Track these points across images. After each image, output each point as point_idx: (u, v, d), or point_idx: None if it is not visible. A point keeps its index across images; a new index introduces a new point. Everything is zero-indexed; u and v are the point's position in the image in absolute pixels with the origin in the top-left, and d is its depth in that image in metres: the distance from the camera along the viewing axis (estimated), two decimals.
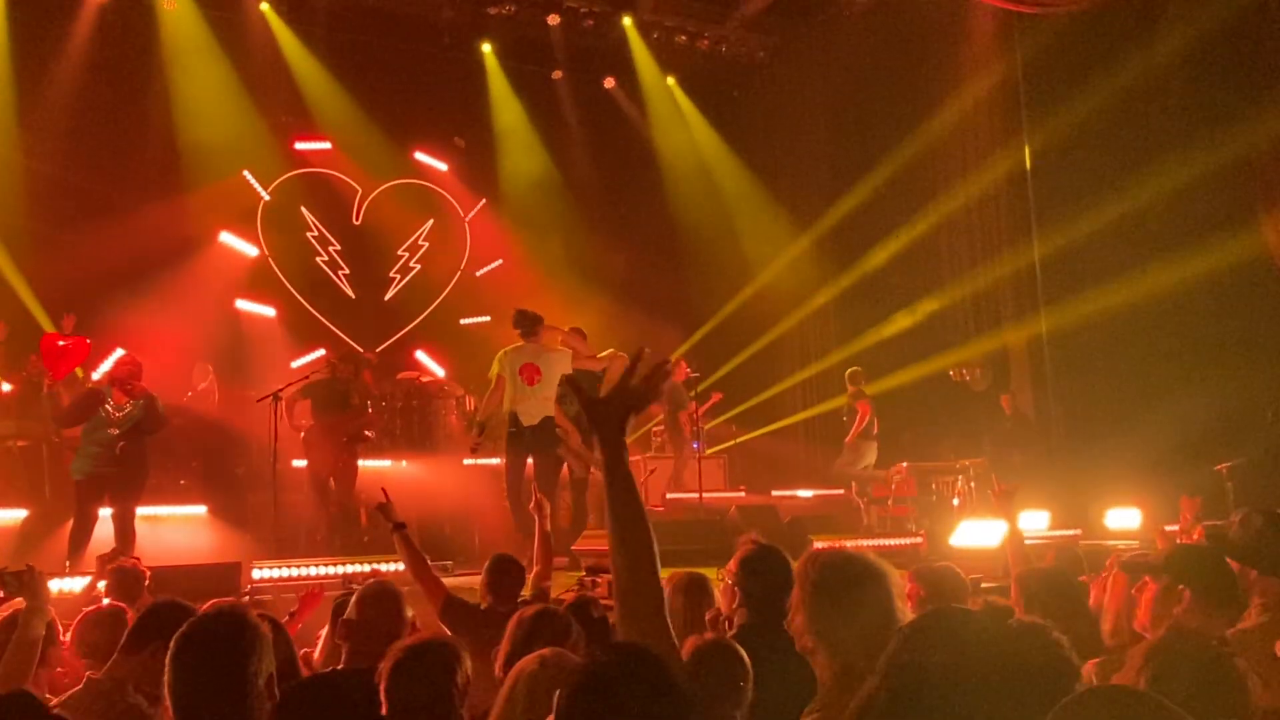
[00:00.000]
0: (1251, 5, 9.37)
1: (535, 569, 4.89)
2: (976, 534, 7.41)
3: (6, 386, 9.39)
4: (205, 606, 2.89)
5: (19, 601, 3.40)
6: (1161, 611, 2.98)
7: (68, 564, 6.91)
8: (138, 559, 5.45)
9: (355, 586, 4.73)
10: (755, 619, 3.01)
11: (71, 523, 7.30)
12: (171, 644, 2.38)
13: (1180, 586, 3.00)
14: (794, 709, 2.27)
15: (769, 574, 3.04)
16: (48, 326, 9.93)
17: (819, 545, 8.19)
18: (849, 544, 7.46)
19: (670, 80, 14.19)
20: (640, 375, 2.13)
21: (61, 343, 8.68)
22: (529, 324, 8.08)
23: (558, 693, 1.71)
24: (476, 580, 4.66)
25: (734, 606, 3.08)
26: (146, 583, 4.94)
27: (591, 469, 8.82)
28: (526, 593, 4.56)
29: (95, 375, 9.04)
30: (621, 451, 2.11)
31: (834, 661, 2.27)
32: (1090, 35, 10.28)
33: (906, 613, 2.33)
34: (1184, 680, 1.99)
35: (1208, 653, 2.26)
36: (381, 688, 2.52)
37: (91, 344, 8.96)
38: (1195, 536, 4.97)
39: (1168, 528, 6.46)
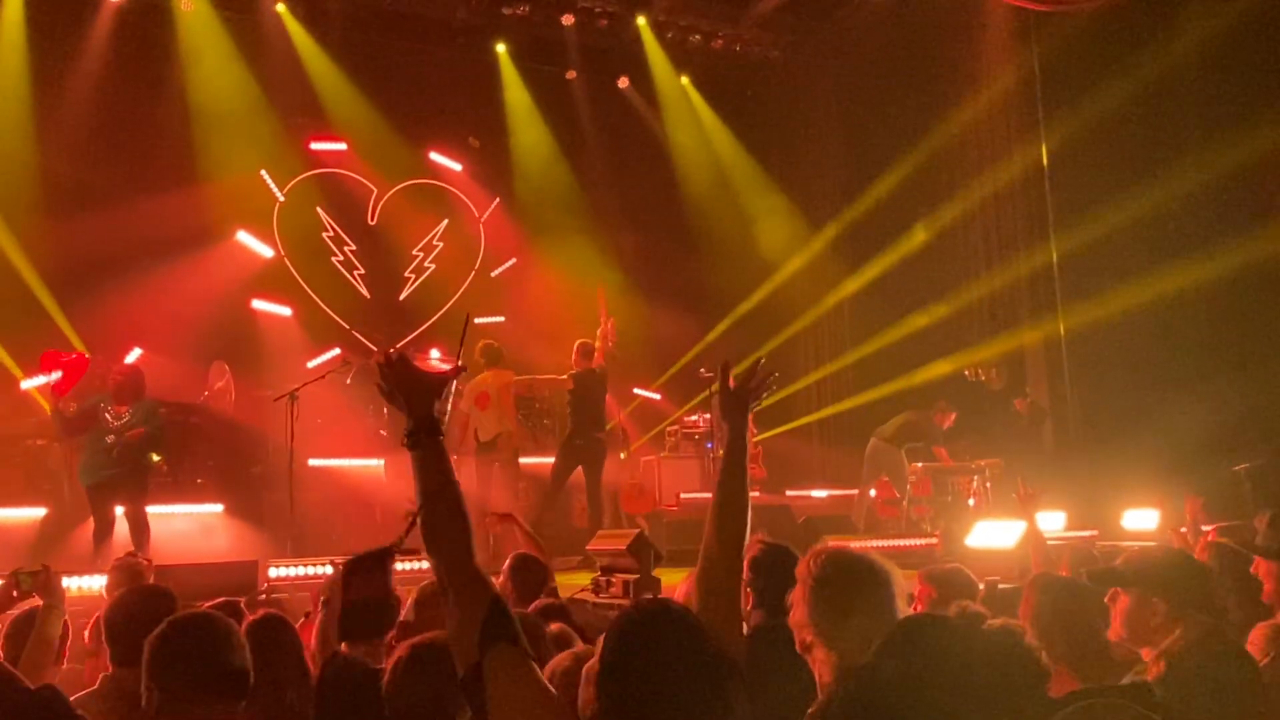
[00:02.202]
0: (1271, 2, 9.28)
1: None
2: (992, 535, 7.36)
3: (28, 383, 9.39)
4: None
5: (35, 600, 3.42)
6: (1137, 623, 2.88)
7: (98, 562, 7.09)
8: (148, 559, 5.48)
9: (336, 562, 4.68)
10: (770, 619, 2.99)
11: (92, 524, 7.56)
12: (147, 645, 2.45)
13: (1154, 598, 2.84)
14: (808, 709, 2.26)
15: (780, 573, 3.01)
16: (64, 325, 10.00)
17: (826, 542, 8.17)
18: (855, 544, 7.44)
19: (684, 80, 14.16)
20: (745, 377, 2.58)
21: (55, 356, 8.69)
22: (491, 357, 9.64)
23: (602, 638, 1.81)
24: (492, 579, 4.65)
25: (748, 608, 3.06)
26: (150, 578, 4.95)
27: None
28: None
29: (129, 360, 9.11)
30: (744, 442, 2.49)
31: (830, 658, 2.27)
32: (1108, 33, 10.21)
33: (906, 610, 2.33)
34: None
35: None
36: (383, 686, 2.52)
37: (90, 360, 8.96)
38: (1210, 538, 4.92)
39: (1181, 529, 6.41)
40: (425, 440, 1.94)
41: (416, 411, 1.95)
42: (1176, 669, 2.60)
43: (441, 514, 1.90)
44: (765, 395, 2.59)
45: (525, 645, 1.81)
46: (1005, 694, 1.59)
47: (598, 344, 9.49)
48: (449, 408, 1.99)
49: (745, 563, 3.06)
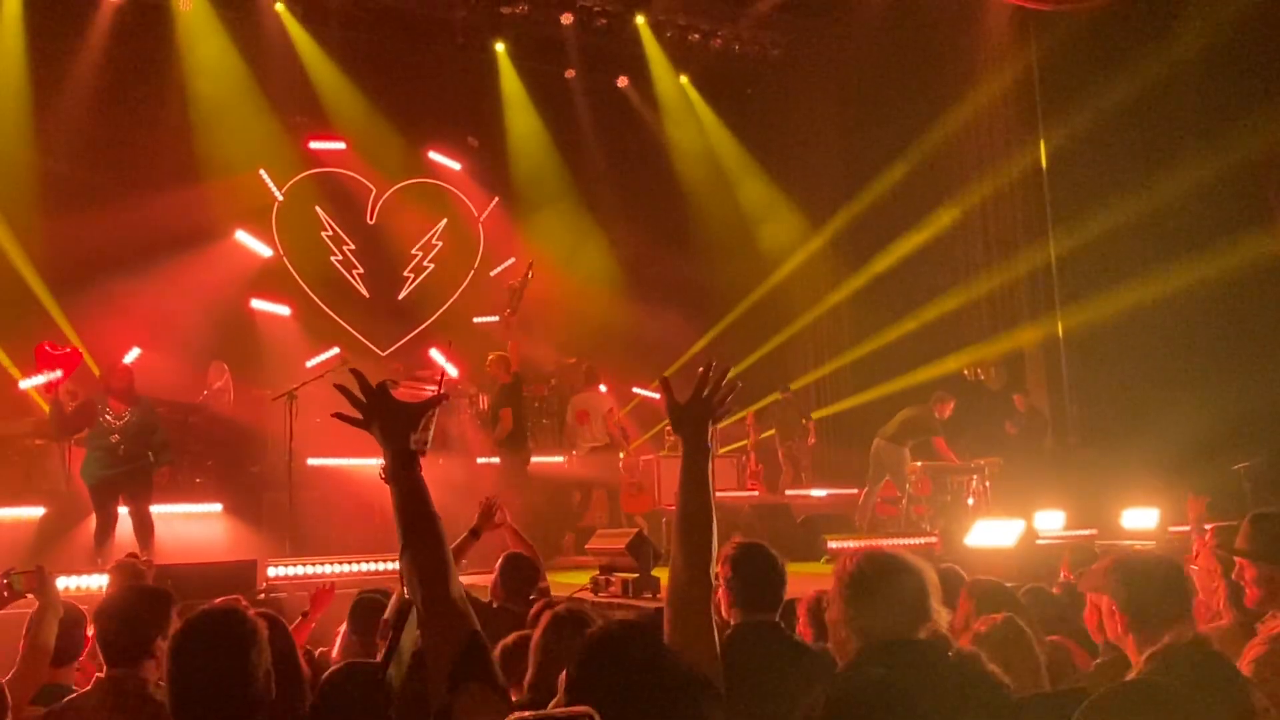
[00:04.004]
0: (1270, 2, 9.27)
1: None
2: (991, 534, 7.36)
3: (26, 383, 9.39)
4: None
5: (30, 600, 3.40)
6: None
7: (99, 561, 7.13)
8: (148, 559, 5.47)
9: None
10: (749, 616, 3.01)
11: (93, 523, 7.59)
12: (169, 641, 2.39)
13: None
14: (791, 703, 2.26)
15: (756, 570, 3.04)
16: (63, 324, 9.98)
17: (833, 544, 8.18)
18: (878, 543, 7.45)
19: (683, 79, 14.16)
20: (711, 387, 2.23)
21: (50, 349, 8.69)
22: (590, 376, 10.52)
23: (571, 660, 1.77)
24: (485, 579, 4.67)
25: (729, 607, 3.07)
26: (150, 579, 4.94)
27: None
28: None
29: (128, 359, 9.10)
30: (702, 455, 2.22)
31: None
32: (1107, 32, 10.20)
33: (940, 609, 2.37)
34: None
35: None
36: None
37: (81, 355, 8.98)
38: (1210, 538, 4.92)
39: (1173, 528, 6.39)
40: (402, 474, 1.89)
41: (393, 444, 1.90)
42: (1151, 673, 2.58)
43: (419, 547, 1.84)
44: (726, 411, 2.32)
45: (501, 684, 1.76)
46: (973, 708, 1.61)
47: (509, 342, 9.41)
48: (429, 437, 1.92)
49: (719, 564, 3.05)
